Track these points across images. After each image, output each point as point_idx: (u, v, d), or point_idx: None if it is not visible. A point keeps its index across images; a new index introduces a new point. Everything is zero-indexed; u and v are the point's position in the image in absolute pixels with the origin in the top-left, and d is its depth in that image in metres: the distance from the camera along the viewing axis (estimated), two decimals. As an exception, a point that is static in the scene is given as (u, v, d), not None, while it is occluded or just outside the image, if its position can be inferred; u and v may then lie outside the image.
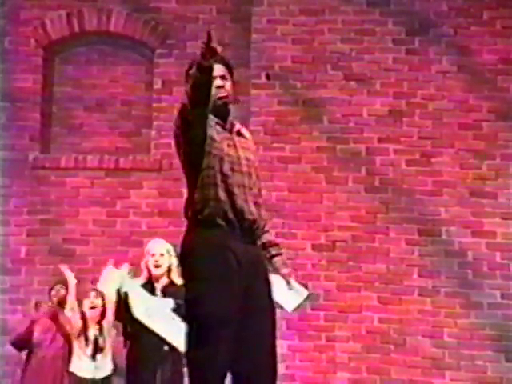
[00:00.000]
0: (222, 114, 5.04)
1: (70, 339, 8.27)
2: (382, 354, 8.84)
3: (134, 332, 7.55)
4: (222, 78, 5.06)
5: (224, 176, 4.89)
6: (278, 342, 7.90)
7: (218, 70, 5.02)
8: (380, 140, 9.17)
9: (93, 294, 8.16)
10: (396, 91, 9.18)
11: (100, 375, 8.11)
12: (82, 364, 8.16)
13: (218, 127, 4.99)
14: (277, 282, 5.08)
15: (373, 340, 8.89)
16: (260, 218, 4.99)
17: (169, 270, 7.62)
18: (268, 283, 4.95)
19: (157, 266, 7.59)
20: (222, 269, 4.76)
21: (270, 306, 4.92)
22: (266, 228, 5.14)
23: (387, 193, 9.08)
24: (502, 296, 8.84)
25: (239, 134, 5.13)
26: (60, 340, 8.32)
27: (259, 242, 5.06)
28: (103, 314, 8.13)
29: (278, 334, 7.96)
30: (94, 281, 8.60)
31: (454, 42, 9.21)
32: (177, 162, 9.18)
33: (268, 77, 9.28)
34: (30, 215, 9.44)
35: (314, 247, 9.08)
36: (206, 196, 4.86)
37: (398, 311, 8.88)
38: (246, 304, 4.78)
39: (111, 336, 8.18)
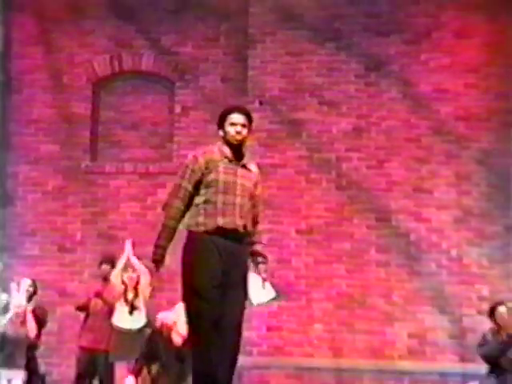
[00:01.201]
0: (234, 151, 5.31)
1: (111, 305, 8.47)
2: (348, 311, 9.13)
3: None
4: (243, 126, 5.32)
5: (216, 196, 5.21)
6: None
7: (240, 119, 5.32)
8: (346, 150, 9.43)
9: (130, 269, 8.50)
10: (357, 113, 9.44)
11: (136, 327, 8.40)
12: (122, 318, 8.43)
13: (226, 160, 5.28)
14: (254, 281, 5.33)
15: (341, 300, 9.16)
16: (243, 228, 5.21)
17: None
18: (243, 270, 5.26)
19: None
20: (206, 255, 5.17)
21: (243, 285, 5.25)
22: (256, 240, 5.36)
23: (352, 190, 9.36)
24: (437, 266, 9.17)
25: (245, 167, 5.32)
26: (105, 307, 8.55)
27: (249, 250, 5.32)
28: (138, 282, 8.46)
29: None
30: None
31: (400, 77, 9.43)
32: None
33: (261, 103, 9.48)
34: (82, 208, 9.75)
35: (296, 231, 9.34)
36: (202, 211, 5.19)
37: (360, 278, 9.19)
38: (225, 282, 5.17)
39: (144, 298, 8.43)
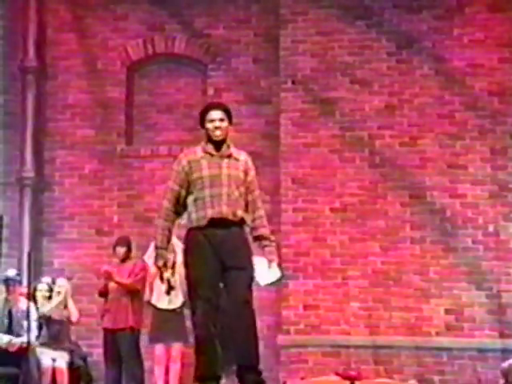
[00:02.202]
0: (216, 146, 5.49)
1: (125, 286, 8.33)
2: (383, 288, 8.95)
3: None
4: (221, 120, 5.51)
5: (203, 191, 5.40)
6: (306, 282, 8.45)
7: (218, 114, 5.53)
8: (379, 128, 9.22)
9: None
10: (390, 91, 9.24)
11: (172, 306, 8.29)
12: (159, 298, 8.29)
13: (209, 155, 5.47)
14: (259, 263, 5.48)
15: (376, 278, 8.97)
16: (233, 215, 5.39)
17: None
18: (239, 255, 5.40)
19: None
20: (199, 252, 5.38)
21: (242, 267, 5.37)
22: (262, 223, 5.54)
23: (385, 167, 9.16)
24: (473, 242, 8.94)
25: (230, 157, 5.51)
26: (119, 289, 8.35)
27: (255, 234, 5.51)
28: (175, 262, 7.98)
29: (305, 275, 8.51)
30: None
31: (432, 53, 9.18)
32: None
33: (293, 82, 9.32)
34: (119, 192, 9.64)
35: (331, 210, 9.17)
36: (193, 207, 5.41)
37: (395, 256, 9.00)
38: (223, 269, 5.36)
39: (181, 277, 7.88)
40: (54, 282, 8.60)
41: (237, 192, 5.47)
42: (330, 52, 9.36)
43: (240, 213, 5.47)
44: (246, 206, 5.55)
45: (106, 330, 8.43)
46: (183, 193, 5.48)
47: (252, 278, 5.45)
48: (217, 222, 5.40)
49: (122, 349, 8.31)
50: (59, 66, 9.86)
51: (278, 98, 9.36)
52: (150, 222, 9.23)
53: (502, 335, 8.70)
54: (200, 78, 9.84)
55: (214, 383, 5.33)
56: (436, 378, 8.71)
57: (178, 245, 8.10)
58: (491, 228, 8.95)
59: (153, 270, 8.14)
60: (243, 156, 5.64)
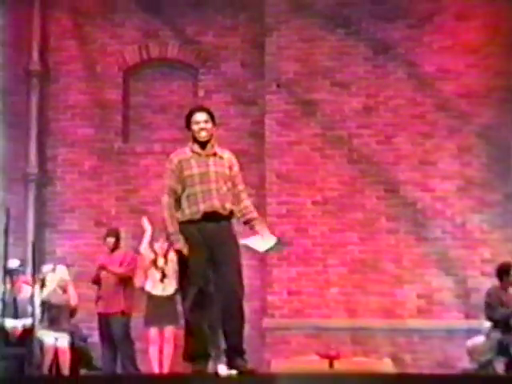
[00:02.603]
0: (202, 146, 5.65)
1: (116, 274, 8.54)
2: (361, 275, 9.10)
3: None
4: (206, 122, 5.68)
5: (194, 188, 5.54)
6: (289, 269, 8.43)
7: (203, 116, 5.68)
8: (357, 127, 9.38)
9: (161, 240, 8.46)
10: (367, 93, 9.41)
11: (166, 293, 8.39)
12: (154, 285, 8.42)
13: (196, 155, 5.63)
14: (253, 238, 5.69)
15: (354, 265, 9.13)
16: (222, 208, 5.56)
17: None
18: (229, 245, 5.57)
19: None
20: (191, 239, 5.51)
21: (231, 252, 5.57)
22: (249, 209, 5.68)
23: (362, 164, 9.33)
24: (442, 232, 9.14)
25: (215, 155, 5.66)
26: (112, 276, 8.59)
27: (243, 220, 5.69)
28: (168, 250, 8.31)
29: (288, 263, 8.43)
30: (162, 230, 8.41)
31: (405, 59, 9.39)
32: None
33: (278, 86, 9.44)
34: (116, 186, 9.76)
35: (312, 203, 9.31)
36: (186, 203, 5.55)
37: (371, 245, 9.19)
38: (214, 254, 5.54)
39: (174, 266, 8.03)
40: (54, 269, 8.67)
41: (225, 187, 5.63)
42: (312, 57, 9.50)
43: (229, 206, 5.63)
44: (233, 199, 5.70)
45: (100, 314, 8.63)
46: (179, 188, 5.61)
47: (240, 269, 5.60)
48: (209, 216, 5.55)
49: (114, 332, 8.52)
50: (61, 70, 9.93)
51: (264, 99, 9.48)
52: (145, 214, 9.29)
53: (467, 317, 8.89)
54: (191, 81, 9.93)
55: (203, 361, 5.59)
56: (408, 357, 8.88)
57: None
58: (459, 219, 9.17)
59: (148, 259, 8.49)
60: (227, 154, 5.78)
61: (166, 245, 8.41)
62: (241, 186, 5.78)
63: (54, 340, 8.29)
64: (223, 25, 9.85)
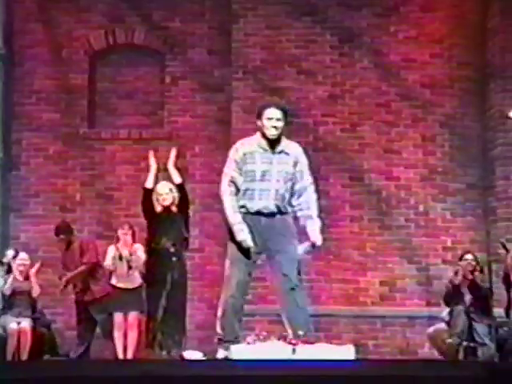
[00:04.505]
0: (270, 143, 5.52)
1: (85, 272, 8.43)
2: (324, 262, 9.02)
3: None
4: (278, 120, 5.52)
5: (253, 184, 5.50)
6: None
7: (276, 113, 5.49)
8: (322, 115, 9.37)
9: (126, 226, 8.23)
10: (333, 81, 9.38)
11: (131, 286, 8.15)
12: (118, 279, 8.18)
13: (262, 150, 5.52)
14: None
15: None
16: (277, 209, 5.52)
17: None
18: (283, 234, 5.59)
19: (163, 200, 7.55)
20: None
21: (286, 241, 5.63)
22: (306, 205, 5.62)
23: (328, 152, 9.32)
24: (405, 220, 9.21)
25: (281, 152, 5.53)
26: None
27: (298, 214, 5.63)
28: (134, 240, 8.17)
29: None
30: (127, 216, 8.99)
31: (371, 48, 9.39)
32: (182, 133, 9.81)
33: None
34: (81, 171, 9.63)
35: None
36: (243, 196, 5.54)
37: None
38: (268, 244, 5.59)
39: (140, 257, 8.01)
40: (16, 255, 8.53)
41: (284, 187, 5.53)
42: (279, 45, 9.45)
43: (285, 207, 5.59)
44: (291, 196, 5.62)
45: (77, 302, 8.57)
46: (240, 179, 5.54)
47: (297, 259, 5.66)
48: (263, 214, 5.55)
49: (95, 316, 8.50)
50: (26, 54, 9.78)
51: (230, 86, 9.43)
52: (110, 200, 9.53)
53: (428, 304, 8.94)
54: (158, 67, 9.85)
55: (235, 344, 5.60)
56: (370, 343, 8.92)
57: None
58: (421, 208, 9.21)
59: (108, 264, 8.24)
60: (293, 148, 5.62)
61: (129, 233, 8.20)
62: (306, 181, 5.63)
63: (17, 325, 8.17)
64: (190, 11, 9.76)
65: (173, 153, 7.85)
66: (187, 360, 5.71)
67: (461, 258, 8.15)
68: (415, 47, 9.38)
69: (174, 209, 7.62)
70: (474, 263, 8.00)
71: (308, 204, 5.66)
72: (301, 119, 9.37)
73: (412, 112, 9.35)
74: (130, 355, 8.04)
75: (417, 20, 9.42)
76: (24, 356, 8.01)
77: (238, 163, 5.55)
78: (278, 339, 5.95)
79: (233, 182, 5.56)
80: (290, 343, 5.76)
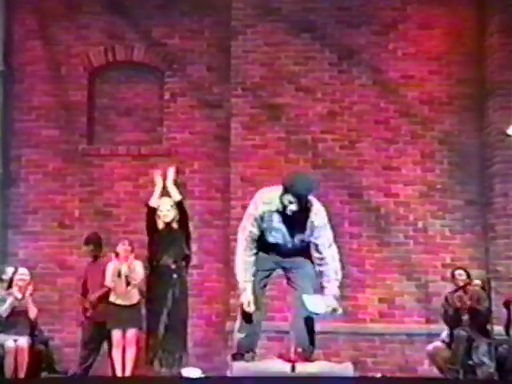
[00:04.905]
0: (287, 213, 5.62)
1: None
2: None
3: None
4: (299, 201, 5.59)
5: (272, 238, 5.68)
6: None
7: (302, 197, 5.61)
8: (321, 132, 9.37)
9: (126, 241, 8.18)
10: (331, 98, 9.39)
11: (129, 302, 8.09)
12: (118, 296, 8.11)
13: (279, 215, 5.64)
14: (316, 295, 5.76)
15: None
16: (292, 259, 5.73)
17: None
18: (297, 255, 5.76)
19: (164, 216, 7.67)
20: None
21: (303, 260, 5.76)
22: (324, 262, 5.71)
23: (326, 168, 9.29)
24: (404, 237, 9.20)
25: (300, 213, 5.63)
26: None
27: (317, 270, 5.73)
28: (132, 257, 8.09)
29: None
30: (125, 232, 9.03)
31: (370, 65, 9.40)
32: (181, 149, 9.84)
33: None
34: (80, 188, 9.62)
35: None
36: (262, 246, 5.73)
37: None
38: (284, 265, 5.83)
39: (139, 274, 8.01)
40: (16, 272, 8.44)
41: (300, 245, 5.69)
42: (277, 62, 9.47)
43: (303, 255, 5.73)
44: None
45: (86, 322, 8.43)
46: (258, 233, 5.67)
47: (313, 276, 5.75)
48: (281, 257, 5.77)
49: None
50: (25, 71, 9.81)
51: (229, 103, 9.45)
52: (109, 216, 9.52)
53: (428, 321, 8.94)
54: (157, 84, 9.87)
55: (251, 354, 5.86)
56: (369, 360, 8.92)
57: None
58: (420, 224, 9.22)
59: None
60: (314, 207, 5.73)
61: (129, 249, 8.17)
62: (321, 239, 5.68)
63: (14, 342, 8.12)
64: (189, 28, 9.80)
65: (171, 171, 7.92)
66: (185, 377, 5.66)
67: (453, 275, 8.22)
68: (414, 64, 9.42)
69: (174, 225, 7.70)
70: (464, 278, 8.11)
71: (325, 261, 5.74)
72: (299, 136, 9.41)
73: (411, 129, 9.38)
74: (128, 372, 8.00)
75: (415, 37, 9.47)
76: (21, 374, 7.95)
77: (257, 220, 5.68)
78: (278, 357, 5.97)
79: (250, 237, 5.65)
80: (289, 361, 5.77)
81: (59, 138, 9.75)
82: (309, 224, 5.68)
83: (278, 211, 5.61)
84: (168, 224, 7.68)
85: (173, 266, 7.60)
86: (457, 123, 9.40)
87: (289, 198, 5.59)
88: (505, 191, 9.06)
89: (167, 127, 9.77)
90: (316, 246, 5.71)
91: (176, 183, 7.84)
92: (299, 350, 5.78)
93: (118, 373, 8.04)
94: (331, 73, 9.47)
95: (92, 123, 9.89)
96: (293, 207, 5.58)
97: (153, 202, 7.82)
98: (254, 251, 5.72)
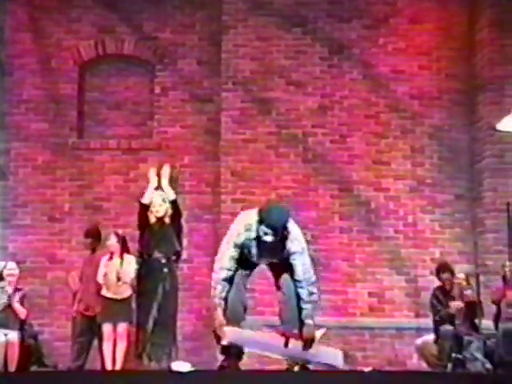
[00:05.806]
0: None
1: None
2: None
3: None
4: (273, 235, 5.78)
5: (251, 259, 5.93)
6: None
7: (273, 237, 5.77)
8: (312, 126, 9.40)
9: (114, 236, 8.15)
10: (322, 93, 9.42)
11: (120, 296, 8.07)
12: (109, 289, 8.08)
13: (257, 241, 5.82)
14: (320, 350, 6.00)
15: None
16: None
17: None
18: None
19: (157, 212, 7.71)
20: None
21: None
22: (299, 285, 5.97)
23: (317, 163, 9.35)
24: (394, 231, 9.22)
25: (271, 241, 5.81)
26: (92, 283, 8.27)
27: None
28: (126, 250, 8.08)
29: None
30: (116, 226, 8.92)
31: (360, 59, 9.44)
32: (171, 143, 9.85)
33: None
34: (70, 182, 9.60)
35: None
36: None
37: (324, 244, 9.16)
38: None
39: (130, 272, 7.96)
40: (5, 266, 8.42)
41: (280, 257, 5.93)
42: (268, 56, 9.50)
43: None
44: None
45: (79, 318, 8.37)
46: (238, 256, 5.91)
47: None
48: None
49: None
50: (15, 64, 9.77)
51: (220, 97, 9.46)
52: (99, 210, 9.51)
53: (417, 315, 8.97)
54: (148, 78, 9.87)
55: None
56: (359, 354, 8.92)
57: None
58: (410, 219, 9.25)
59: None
60: (291, 236, 5.88)
61: (117, 244, 8.11)
62: (298, 268, 5.92)
63: (5, 336, 8.12)
64: (181, 22, 9.80)
65: (167, 170, 7.94)
66: (175, 371, 5.69)
67: (438, 273, 8.24)
68: (404, 59, 9.45)
69: (167, 220, 7.71)
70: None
71: (300, 283, 6.01)
72: (290, 130, 9.43)
73: (401, 123, 9.40)
74: (118, 366, 7.99)
75: (406, 32, 9.49)
76: (12, 368, 7.94)
77: (236, 245, 5.93)
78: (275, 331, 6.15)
79: (230, 263, 5.92)
80: (283, 335, 5.93)
81: (49, 132, 9.71)
82: (285, 251, 5.90)
83: (256, 238, 5.83)
84: (160, 219, 7.70)
85: (163, 261, 7.63)
86: (447, 118, 9.42)
87: (264, 229, 5.79)
88: (494, 186, 9.08)
89: (157, 121, 9.76)
90: (292, 268, 5.95)
91: (174, 178, 7.90)
92: (294, 331, 5.91)
93: (108, 366, 8.02)
94: (322, 67, 9.49)
95: (82, 117, 9.87)
96: (268, 238, 5.77)
97: (145, 199, 7.83)
98: (233, 269, 5.94)
